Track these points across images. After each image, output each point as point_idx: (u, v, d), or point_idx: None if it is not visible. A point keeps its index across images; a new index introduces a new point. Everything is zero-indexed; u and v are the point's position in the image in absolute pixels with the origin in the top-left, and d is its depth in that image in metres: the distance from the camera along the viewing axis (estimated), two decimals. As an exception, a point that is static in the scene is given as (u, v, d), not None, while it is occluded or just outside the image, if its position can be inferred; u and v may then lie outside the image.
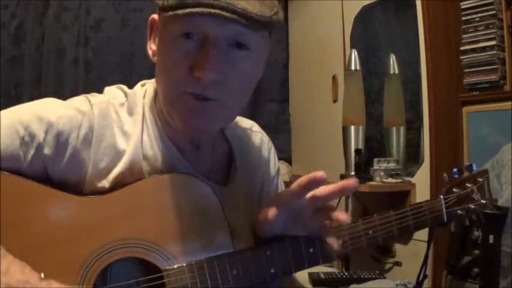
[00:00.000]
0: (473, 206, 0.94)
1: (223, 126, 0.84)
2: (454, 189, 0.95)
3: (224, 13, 0.64)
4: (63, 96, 0.80)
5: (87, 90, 0.83)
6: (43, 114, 0.73)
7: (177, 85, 0.71)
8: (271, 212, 0.74)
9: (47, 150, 0.72)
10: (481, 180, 0.97)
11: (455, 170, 0.97)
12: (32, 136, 0.71)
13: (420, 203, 0.91)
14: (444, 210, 0.92)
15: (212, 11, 0.64)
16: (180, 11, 0.65)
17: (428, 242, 0.97)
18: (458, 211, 0.94)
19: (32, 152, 0.71)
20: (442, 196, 0.93)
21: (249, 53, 0.72)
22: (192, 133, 0.77)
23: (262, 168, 0.92)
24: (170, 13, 0.67)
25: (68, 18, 2.58)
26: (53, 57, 2.54)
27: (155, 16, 0.78)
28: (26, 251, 0.68)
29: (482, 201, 0.95)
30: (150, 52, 0.79)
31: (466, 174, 0.98)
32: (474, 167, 0.98)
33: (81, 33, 2.59)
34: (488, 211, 0.96)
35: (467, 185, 0.95)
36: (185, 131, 0.76)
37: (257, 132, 0.95)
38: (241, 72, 0.73)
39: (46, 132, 0.72)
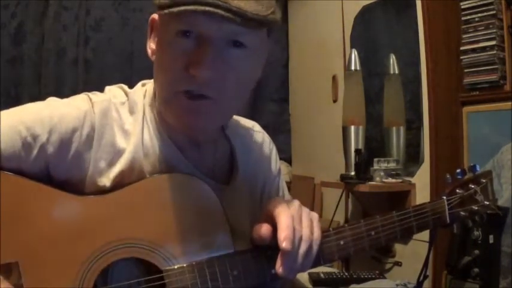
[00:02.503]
0: (476, 208, 0.94)
1: (220, 125, 0.84)
2: (457, 191, 0.94)
3: (218, 11, 0.64)
4: (63, 96, 0.79)
5: (87, 90, 0.82)
6: (45, 114, 0.73)
7: (173, 84, 0.72)
8: (264, 229, 0.74)
9: (50, 151, 0.72)
10: (484, 181, 0.96)
11: (458, 171, 0.96)
12: (35, 137, 0.71)
13: (423, 204, 0.91)
14: (447, 211, 0.92)
15: (206, 8, 0.64)
16: (174, 9, 0.65)
17: (430, 243, 0.96)
18: (461, 212, 0.93)
19: (34, 152, 0.71)
20: (445, 197, 0.92)
21: (246, 52, 0.72)
22: (188, 131, 0.78)
23: (263, 168, 0.92)
24: (166, 11, 0.67)
25: (68, 18, 2.58)
26: (53, 57, 2.55)
27: (155, 16, 0.78)
28: (27, 251, 0.68)
29: (485, 202, 0.94)
30: (149, 51, 0.79)
31: (469, 175, 0.97)
32: (478, 168, 0.97)
33: (81, 33, 2.59)
34: (490, 211, 0.95)
35: (470, 186, 0.95)
36: (180, 129, 0.77)
37: (259, 132, 0.95)
38: (237, 71, 0.73)
39: (49, 133, 0.72)
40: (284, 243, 0.70)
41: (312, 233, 0.75)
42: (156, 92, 0.79)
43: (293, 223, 0.72)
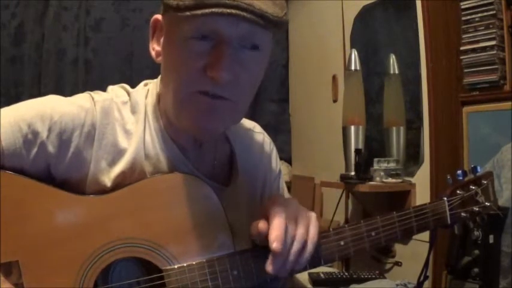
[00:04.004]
0: (477, 209, 0.94)
1: (231, 126, 0.84)
2: (458, 192, 0.94)
3: (244, 14, 0.64)
4: (63, 96, 0.79)
5: (87, 90, 0.82)
6: (46, 111, 0.72)
7: (189, 85, 0.71)
8: (261, 224, 0.73)
9: (50, 149, 0.72)
10: (485, 182, 0.96)
11: (459, 172, 0.96)
12: (35, 134, 0.71)
13: (423, 204, 0.91)
14: (448, 212, 0.91)
15: (233, 11, 0.64)
16: (199, 11, 0.65)
17: (431, 244, 0.96)
18: (462, 213, 0.93)
19: (35, 150, 0.71)
20: (445, 198, 0.92)
21: (259, 54, 0.73)
22: (200, 133, 0.77)
23: (263, 169, 0.92)
24: (187, 13, 0.65)
25: (68, 18, 2.58)
26: (53, 57, 2.55)
27: (158, 16, 0.77)
28: (27, 250, 0.68)
29: (486, 203, 0.94)
30: (153, 53, 0.79)
31: (470, 176, 0.97)
32: (479, 169, 0.97)
33: (81, 33, 2.60)
34: (492, 212, 0.95)
35: (471, 187, 0.94)
36: (193, 131, 0.76)
37: (259, 133, 0.95)
38: (251, 73, 0.73)
39: (49, 131, 0.72)
40: (274, 244, 0.70)
41: (307, 232, 0.74)
42: (163, 93, 0.77)
43: (286, 223, 0.72)
